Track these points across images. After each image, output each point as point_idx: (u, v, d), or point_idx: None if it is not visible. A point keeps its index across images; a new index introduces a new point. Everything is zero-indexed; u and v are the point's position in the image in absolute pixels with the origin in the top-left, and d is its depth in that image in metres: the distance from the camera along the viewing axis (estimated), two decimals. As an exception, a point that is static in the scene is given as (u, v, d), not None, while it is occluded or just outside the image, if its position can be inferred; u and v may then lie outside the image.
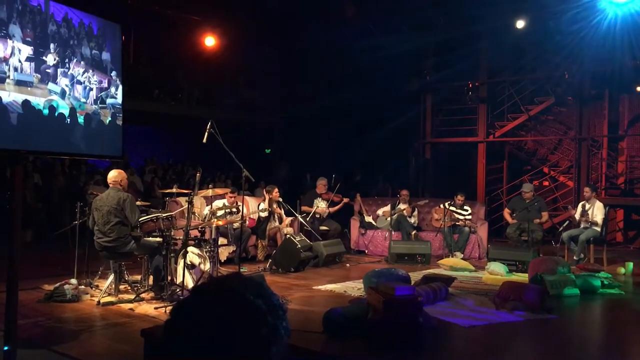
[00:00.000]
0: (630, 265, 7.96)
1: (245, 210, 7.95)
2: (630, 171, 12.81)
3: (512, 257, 8.03)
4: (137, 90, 13.51)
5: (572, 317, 5.63)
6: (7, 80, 3.40)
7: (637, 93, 12.53)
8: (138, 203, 6.10)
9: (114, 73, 4.19)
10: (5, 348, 3.40)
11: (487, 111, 13.79)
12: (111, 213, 5.68)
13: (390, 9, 12.44)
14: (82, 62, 3.92)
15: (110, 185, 5.88)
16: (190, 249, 5.97)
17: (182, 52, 14.00)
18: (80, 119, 3.91)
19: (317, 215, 9.51)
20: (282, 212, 8.99)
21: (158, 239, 5.93)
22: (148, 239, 5.98)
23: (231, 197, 8.24)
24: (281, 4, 12.36)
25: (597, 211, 8.67)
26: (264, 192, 8.96)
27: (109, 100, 4.14)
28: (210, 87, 15.89)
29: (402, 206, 9.81)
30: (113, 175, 5.91)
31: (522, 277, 7.11)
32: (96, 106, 4.04)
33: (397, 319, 4.05)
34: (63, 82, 3.77)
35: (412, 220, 9.82)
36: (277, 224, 8.81)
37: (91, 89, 4.00)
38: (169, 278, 5.84)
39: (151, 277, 5.98)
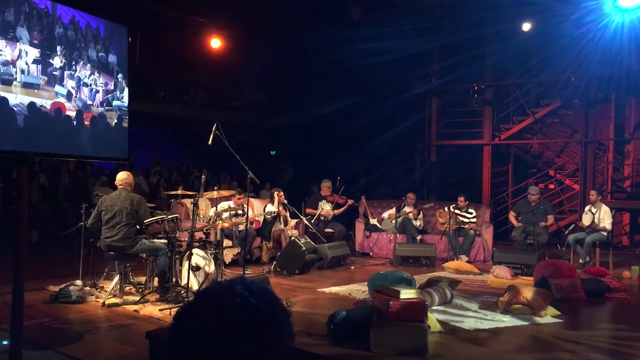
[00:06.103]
0: (636, 269, 7.92)
1: (250, 213, 7.95)
2: (636, 174, 12.75)
3: (518, 260, 8.01)
4: (143, 92, 13.55)
5: (578, 321, 5.60)
6: (14, 83, 3.41)
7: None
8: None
9: (120, 75, 4.20)
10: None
11: (492, 114, 13.77)
12: (123, 213, 5.74)
13: (396, 12, 12.43)
14: (88, 65, 3.93)
15: (120, 186, 5.94)
16: (195, 250, 5.99)
17: (188, 54, 14.05)
18: (87, 121, 3.92)
19: (322, 218, 9.51)
20: (287, 214, 8.99)
21: (163, 241, 5.96)
22: (153, 240, 6.01)
23: (239, 199, 8.17)
24: (287, 6, 12.37)
25: (604, 216, 8.61)
26: (274, 195, 8.87)
27: (115, 103, 4.16)
28: (216, 89, 15.93)
29: (407, 209, 9.80)
30: (122, 176, 5.98)
31: (528, 281, 7.09)
32: (102, 108, 4.05)
33: (401, 322, 4.05)
34: (69, 84, 3.78)
35: (418, 223, 9.80)
36: (282, 226, 8.81)
37: (97, 91, 4.01)
38: (174, 280, 5.86)
39: (156, 279, 6.00)
